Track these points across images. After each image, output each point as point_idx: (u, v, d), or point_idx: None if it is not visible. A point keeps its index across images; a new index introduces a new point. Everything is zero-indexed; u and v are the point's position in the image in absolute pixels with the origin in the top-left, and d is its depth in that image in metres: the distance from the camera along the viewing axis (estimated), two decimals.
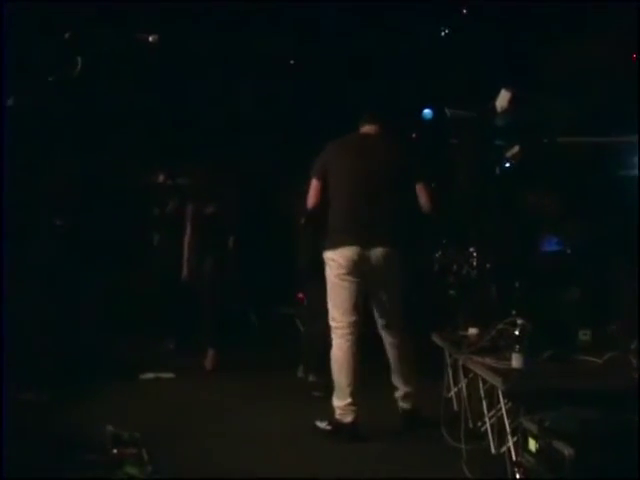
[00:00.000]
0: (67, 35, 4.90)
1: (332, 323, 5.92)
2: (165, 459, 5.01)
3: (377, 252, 5.82)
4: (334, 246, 5.85)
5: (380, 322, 6.07)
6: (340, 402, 5.79)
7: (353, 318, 5.85)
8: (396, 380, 6.13)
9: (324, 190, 5.97)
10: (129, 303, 9.64)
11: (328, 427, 5.83)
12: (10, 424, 5.65)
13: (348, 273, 5.80)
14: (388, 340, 6.10)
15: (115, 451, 4.99)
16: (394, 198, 5.93)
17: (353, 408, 5.76)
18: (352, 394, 5.77)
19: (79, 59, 4.70)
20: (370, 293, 5.98)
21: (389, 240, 5.85)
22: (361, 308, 5.94)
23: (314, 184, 6.01)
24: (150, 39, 5.06)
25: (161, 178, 9.43)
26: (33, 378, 6.99)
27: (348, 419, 5.75)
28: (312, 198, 6.03)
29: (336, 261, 5.83)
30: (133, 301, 9.61)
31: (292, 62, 11.09)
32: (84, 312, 8.96)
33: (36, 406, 6.38)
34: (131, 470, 4.59)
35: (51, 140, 8.50)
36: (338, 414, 5.78)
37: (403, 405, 6.10)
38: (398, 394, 6.12)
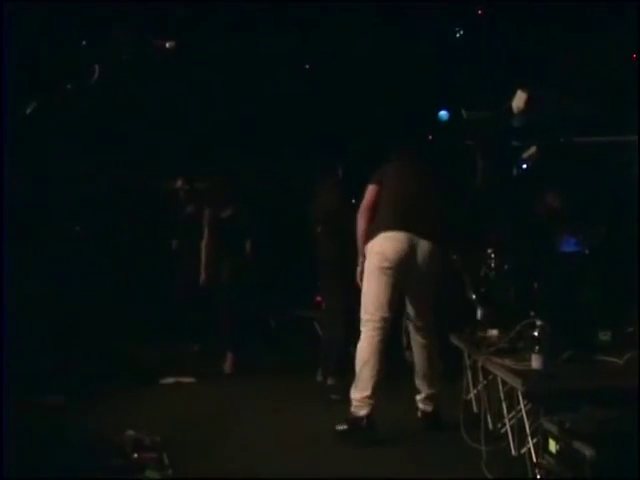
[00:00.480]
0: (84, 42, 4.94)
1: (364, 316, 5.90)
2: (185, 463, 5.03)
3: (424, 246, 5.89)
4: (383, 235, 5.88)
5: (414, 322, 6.08)
6: (359, 394, 5.79)
7: (387, 314, 5.87)
8: (420, 382, 6.14)
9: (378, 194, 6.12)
10: (149, 308, 9.67)
11: (344, 426, 5.82)
12: (29, 428, 5.71)
13: (391, 267, 5.83)
14: (419, 341, 6.13)
15: (136, 455, 5.02)
16: (440, 200, 6.07)
17: (370, 401, 5.76)
18: (373, 387, 5.78)
19: (96, 66, 4.73)
20: (409, 291, 6.01)
21: (436, 236, 5.93)
22: (396, 307, 5.97)
23: (373, 189, 6.15)
24: (167, 45, 5.09)
25: (179, 183, 9.46)
26: (51, 382, 7.04)
27: (363, 412, 5.75)
28: (369, 202, 6.13)
29: (382, 253, 5.84)
30: (153, 306, 9.64)
31: (307, 66, 11.10)
32: (105, 317, 9.00)
33: (54, 410, 6.42)
34: (152, 474, 4.62)
35: (68, 147, 8.55)
36: (354, 407, 5.79)
37: (425, 407, 6.11)
38: (420, 396, 6.13)
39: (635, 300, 5.50)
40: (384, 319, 5.85)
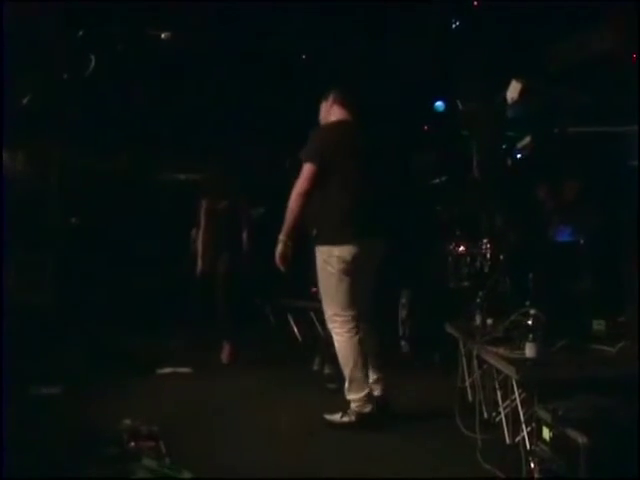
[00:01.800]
0: (80, 33, 4.95)
1: (336, 318, 5.84)
2: (182, 452, 5.06)
3: (376, 244, 5.90)
4: (339, 242, 5.76)
5: (363, 311, 6.00)
6: (357, 395, 5.79)
7: (355, 311, 5.84)
8: (371, 367, 6.05)
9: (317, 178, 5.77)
10: (147, 298, 9.69)
11: (345, 419, 5.84)
12: (25, 418, 5.74)
13: (352, 268, 5.77)
14: (367, 329, 6.02)
15: (133, 444, 5.05)
16: (382, 188, 5.97)
17: (371, 398, 5.79)
18: (368, 383, 5.82)
19: (92, 57, 4.74)
20: (361, 283, 5.91)
21: (385, 232, 5.93)
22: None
23: (311, 169, 5.76)
24: (162, 36, 5.10)
25: (182, 176, 9.47)
26: (47, 372, 7.07)
27: (368, 409, 5.77)
28: (308, 185, 5.75)
29: (341, 257, 5.75)
30: (150, 296, 9.66)
31: (304, 57, 11.10)
32: (101, 306, 9.03)
33: (51, 400, 6.45)
34: (149, 463, 4.64)
35: (65, 138, 8.55)
36: (357, 406, 5.79)
37: (366, 409, 5.87)
38: (359, 396, 5.88)
39: (627, 290, 5.54)
40: (354, 316, 5.84)
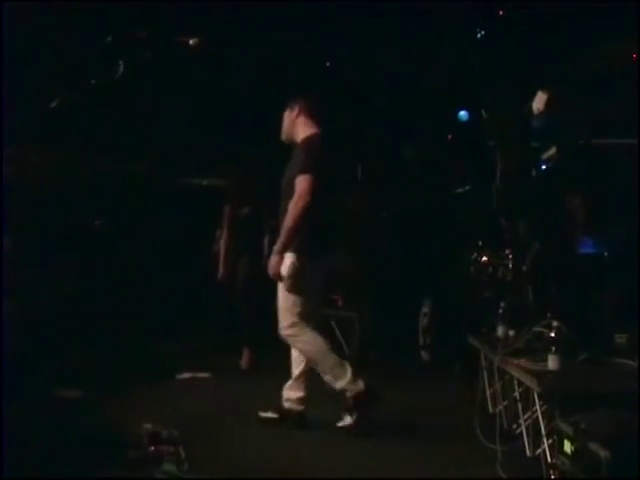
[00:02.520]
0: (109, 39, 4.97)
1: (300, 321, 5.90)
2: (202, 457, 5.06)
3: (329, 258, 6.09)
4: (316, 254, 5.87)
5: (313, 318, 6.09)
6: (344, 379, 5.85)
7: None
8: (302, 383, 6.12)
9: None
10: (167, 302, 9.71)
11: (351, 420, 5.89)
12: (46, 422, 5.77)
13: (309, 279, 5.89)
14: (319, 331, 6.11)
15: (152, 448, 5.06)
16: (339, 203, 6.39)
17: (356, 376, 5.87)
18: (349, 366, 5.91)
19: (121, 62, 4.77)
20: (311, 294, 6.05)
21: (338, 247, 6.33)
22: None
23: (313, 181, 5.78)
24: (190, 42, 5.12)
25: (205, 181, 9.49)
26: (67, 376, 7.10)
27: (361, 386, 5.85)
28: (311, 198, 5.78)
29: (313, 266, 5.86)
30: (172, 300, 9.68)
31: (328, 64, 11.12)
32: (122, 311, 9.05)
33: (71, 404, 6.47)
34: (169, 467, 4.65)
35: (91, 142, 8.61)
36: (350, 391, 5.85)
37: (297, 407, 6.08)
38: (296, 395, 6.10)
39: None
40: (303, 318, 5.95)
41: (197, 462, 4.93)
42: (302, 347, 5.98)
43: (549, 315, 5.32)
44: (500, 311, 6.15)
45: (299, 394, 6.08)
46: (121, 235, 9.89)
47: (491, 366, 5.97)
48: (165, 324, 9.48)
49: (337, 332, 8.58)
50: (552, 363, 4.87)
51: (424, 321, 8.66)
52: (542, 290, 6.21)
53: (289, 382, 6.14)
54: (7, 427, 5.29)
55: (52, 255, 8.64)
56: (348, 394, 5.87)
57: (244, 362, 8.30)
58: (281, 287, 5.90)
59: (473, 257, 7.61)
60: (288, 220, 5.73)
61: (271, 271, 5.84)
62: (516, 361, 5.17)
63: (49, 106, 5.06)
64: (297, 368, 6.13)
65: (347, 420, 5.91)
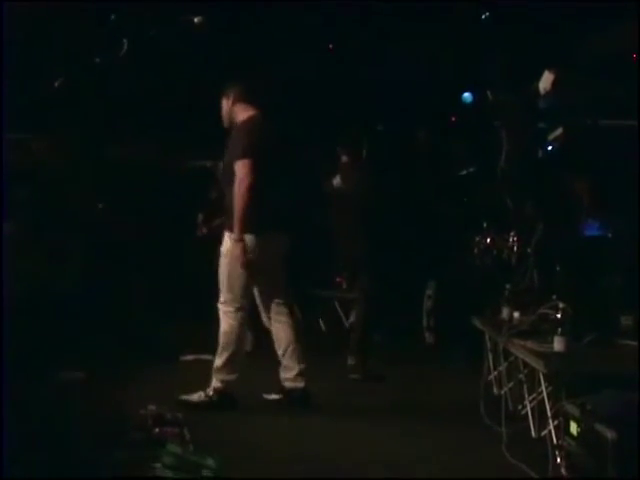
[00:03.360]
0: (112, 17, 4.93)
1: (234, 304, 5.97)
2: (206, 438, 5.06)
3: (280, 238, 6.06)
4: (262, 232, 5.86)
5: (275, 303, 6.20)
6: (227, 377, 5.99)
7: (246, 301, 6.05)
8: (290, 360, 6.12)
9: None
10: (170, 284, 9.69)
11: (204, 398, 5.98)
12: (49, 404, 5.77)
13: (254, 258, 5.86)
14: (283, 320, 6.21)
15: (157, 430, 5.05)
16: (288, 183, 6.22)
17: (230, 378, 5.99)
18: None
19: (125, 41, 4.73)
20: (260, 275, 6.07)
21: (289, 227, 6.15)
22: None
23: (251, 163, 5.81)
24: (195, 21, 5.09)
25: (209, 163, 9.42)
26: (70, 358, 7.10)
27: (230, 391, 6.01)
28: (253, 179, 5.80)
29: (259, 247, 5.85)
30: (174, 282, 9.66)
31: (330, 46, 11.06)
32: (125, 293, 9.04)
33: (74, 386, 6.47)
34: (173, 449, 4.64)
35: (94, 124, 8.57)
36: (220, 387, 5.98)
37: (297, 384, 6.09)
38: (291, 374, 6.10)
39: None
40: (245, 306, 6.04)
41: (202, 443, 4.92)
42: (225, 326, 6.04)
43: (554, 297, 5.30)
44: (505, 293, 6.13)
45: (293, 372, 6.12)
46: (124, 218, 9.86)
47: (496, 348, 5.96)
48: (168, 306, 9.46)
49: (340, 314, 8.58)
50: (558, 344, 4.86)
51: (428, 303, 8.64)
52: (547, 272, 6.19)
53: (282, 365, 6.18)
54: (11, 410, 5.30)
55: (55, 239, 8.63)
56: (215, 386, 6.00)
57: (247, 344, 8.27)
58: (226, 263, 5.93)
59: (478, 239, 7.59)
60: (237, 206, 5.77)
61: (238, 260, 5.85)
62: (522, 343, 5.15)
63: (51, 87, 5.03)
64: (280, 348, 6.18)
65: (194, 397, 6.00)
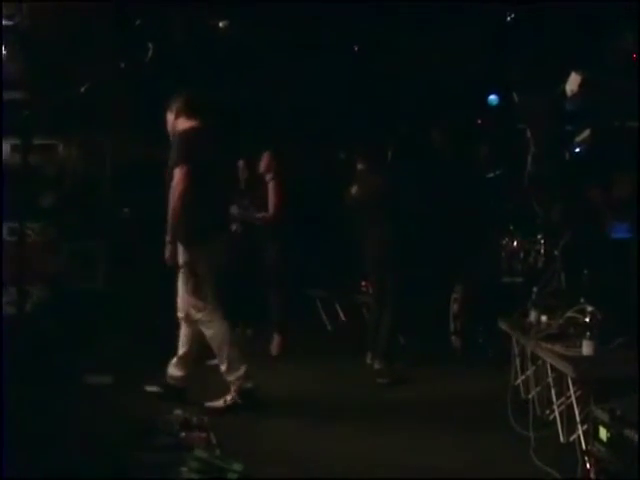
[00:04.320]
0: (138, 22, 4.95)
1: (207, 310, 6.08)
2: (233, 443, 5.06)
3: (219, 245, 6.22)
4: (211, 240, 6.03)
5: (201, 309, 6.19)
6: (237, 373, 6.04)
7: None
8: (234, 361, 6.14)
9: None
10: None
11: (230, 402, 6.02)
12: (77, 407, 5.80)
13: (206, 264, 6.06)
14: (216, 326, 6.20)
15: (184, 435, 5.07)
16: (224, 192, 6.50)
17: (248, 373, 6.07)
18: (243, 361, 6.12)
19: (150, 45, 4.74)
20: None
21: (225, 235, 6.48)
22: None
23: (185, 171, 5.92)
24: (220, 25, 5.09)
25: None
26: (98, 362, 7.13)
27: (250, 384, 6.06)
28: (186, 186, 5.93)
29: (214, 253, 6.06)
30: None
31: (356, 48, 11.03)
32: (153, 297, 9.06)
33: (103, 390, 6.49)
34: (201, 453, 4.65)
35: (120, 128, 8.59)
36: (239, 385, 6.03)
37: (247, 385, 6.11)
38: (238, 374, 6.10)
39: None
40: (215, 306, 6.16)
41: (228, 448, 4.92)
42: (210, 333, 6.12)
43: (582, 300, 5.25)
44: (532, 296, 6.08)
45: (181, 373, 6.27)
46: (149, 222, 9.88)
47: (523, 352, 5.91)
48: None
49: (367, 318, 8.54)
50: (586, 348, 4.82)
51: (455, 307, 8.59)
52: (575, 275, 6.14)
53: (174, 359, 6.31)
54: (39, 413, 5.34)
55: (81, 242, 8.67)
56: (234, 387, 6.05)
57: (274, 348, 8.28)
58: (181, 275, 6.11)
59: (504, 242, 7.55)
60: (170, 210, 5.92)
61: (167, 261, 6.03)
62: (550, 346, 5.11)
63: (78, 92, 5.06)
64: (182, 348, 6.30)
65: (219, 403, 6.05)
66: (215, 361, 7.79)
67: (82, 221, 8.76)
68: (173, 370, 6.29)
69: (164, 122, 6.24)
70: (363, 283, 9.09)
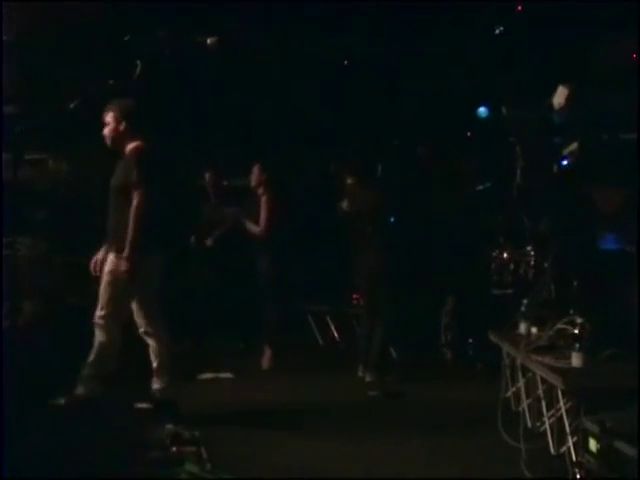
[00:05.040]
0: (127, 38, 4.97)
1: (111, 317, 6.08)
2: (224, 457, 5.06)
3: (153, 259, 6.14)
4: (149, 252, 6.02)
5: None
6: (88, 384, 6.08)
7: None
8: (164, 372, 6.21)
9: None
10: (190, 303, 9.69)
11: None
12: (68, 420, 5.79)
13: (126, 277, 5.99)
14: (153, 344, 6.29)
15: (175, 449, 5.06)
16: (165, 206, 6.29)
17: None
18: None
19: (138, 62, 4.75)
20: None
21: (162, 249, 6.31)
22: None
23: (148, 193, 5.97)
24: (208, 41, 5.11)
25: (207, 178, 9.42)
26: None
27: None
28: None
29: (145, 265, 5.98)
30: (194, 301, 9.65)
31: (345, 62, 11.08)
32: None
33: (91, 402, 6.47)
34: (191, 468, 4.64)
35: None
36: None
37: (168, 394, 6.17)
38: (162, 385, 6.20)
39: None
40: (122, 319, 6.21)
41: (219, 462, 4.92)
42: (100, 338, 6.13)
43: (572, 312, 5.27)
44: (522, 308, 6.10)
45: (160, 385, 6.23)
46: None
47: (514, 364, 5.93)
48: (186, 324, 9.47)
49: (358, 331, 8.56)
50: (576, 360, 4.84)
51: (446, 319, 8.62)
52: (564, 286, 6.16)
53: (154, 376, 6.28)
54: (28, 425, 5.32)
55: (73, 256, 8.65)
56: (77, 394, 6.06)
57: (265, 361, 8.28)
58: (107, 279, 6.07)
59: (494, 254, 7.57)
60: (131, 229, 5.92)
61: (127, 274, 5.97)
62: (540, 358, 5.13)
63: (67, 107, 5.07)
64: (154, 362, 6.27)
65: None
66: (208, 375, 7.83)
67: (73, 235, 8.73)
68: (154, 384, 6.29)
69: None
70: (354, 296, 9.11)
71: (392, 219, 7.83)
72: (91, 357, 6.13)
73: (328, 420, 6.30)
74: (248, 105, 10.40)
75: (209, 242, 9.13)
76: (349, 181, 7.84)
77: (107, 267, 6.10)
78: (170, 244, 6.56)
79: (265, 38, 9.53)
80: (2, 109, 5.36)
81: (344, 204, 7.77)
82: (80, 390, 6.08)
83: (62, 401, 6.21)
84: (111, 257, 6.08)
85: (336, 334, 9.67)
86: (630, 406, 4.10)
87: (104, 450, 5.17)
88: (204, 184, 9.49)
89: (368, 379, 7.45)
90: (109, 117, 6.06)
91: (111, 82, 5.00)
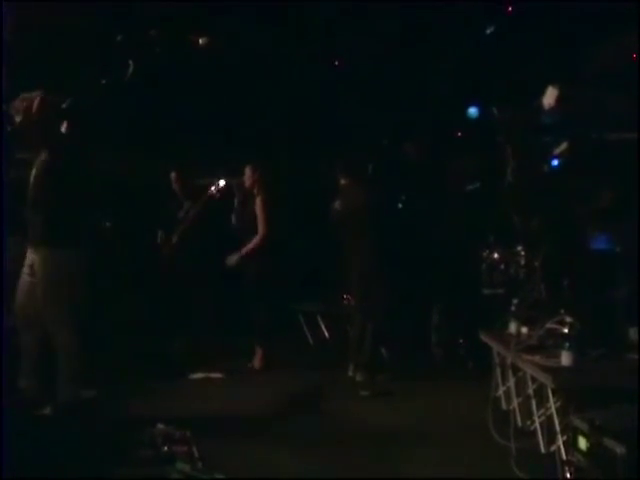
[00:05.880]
0: (119, 38, 4.97)
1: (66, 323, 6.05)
2: (215, 456, 5.07)
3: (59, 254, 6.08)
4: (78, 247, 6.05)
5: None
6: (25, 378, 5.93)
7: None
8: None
9: None
10: (181, 303, 9.69)
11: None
12: (60, 420, 5.79)
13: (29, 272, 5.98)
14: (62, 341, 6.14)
15: (166, 448, 5.07)
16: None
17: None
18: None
19: (131, 62, 4.76)
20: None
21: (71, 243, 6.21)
22: None
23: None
24: (200, 41, 5.12)
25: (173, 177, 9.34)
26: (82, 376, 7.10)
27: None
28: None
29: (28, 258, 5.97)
30: (186, 301, 9.65)
31: (336, 62, 11.10)
32: (136, 311, 9.06)
33: (86, 404, 6.47)
34: (183, 467, 4.65)
35: (100, 142, 8.58)
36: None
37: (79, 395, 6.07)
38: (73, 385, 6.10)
39: None
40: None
41: (210, 461, 4.93)
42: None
43: (562, 311, 5.29)
44: (512, 308, 6.12)
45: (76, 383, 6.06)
46: (132, 236, 9.88)
47: (504, 363, 5.95)
48: (178, 324, 9.47)
49: (349, 331, 8.57)
50: (566, 359, 4.86)
51: (436, 319, 8.64)
52: (555, 286, 6.18)
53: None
54: (22, 426, 5.32)
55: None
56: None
57: (257, 362, 8.28)
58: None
59: (485, 254, 7.58)
60: None
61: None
62: (530, 357, 5.15)
63: (59, 107, 5.07)
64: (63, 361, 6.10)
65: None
66: (199, 375, 7.84)
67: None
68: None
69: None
70: (345, 296, 9.12)
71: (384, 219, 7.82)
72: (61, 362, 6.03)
73: (319, 419, 6.32)
74: (239, 105, 10.41)
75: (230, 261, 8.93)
76: (342, 181, 7.85)
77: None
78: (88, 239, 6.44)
79: (256, 39, 9.53)
80: (2, 109, 5.34)
81: (337, 204, 7.79)
82: (62, 397, 5.98)
83: (47, 411, 6.09)
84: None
85: (326, 333, 9.69)
86: (619, 404, 4.13)
87: (94, 450, 5.17)
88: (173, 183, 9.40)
89: (359, 379, 7.46)
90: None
91: (103, 82, 5.00)
